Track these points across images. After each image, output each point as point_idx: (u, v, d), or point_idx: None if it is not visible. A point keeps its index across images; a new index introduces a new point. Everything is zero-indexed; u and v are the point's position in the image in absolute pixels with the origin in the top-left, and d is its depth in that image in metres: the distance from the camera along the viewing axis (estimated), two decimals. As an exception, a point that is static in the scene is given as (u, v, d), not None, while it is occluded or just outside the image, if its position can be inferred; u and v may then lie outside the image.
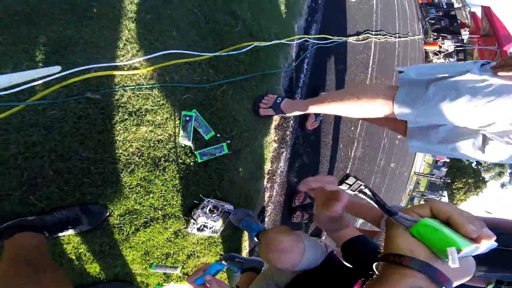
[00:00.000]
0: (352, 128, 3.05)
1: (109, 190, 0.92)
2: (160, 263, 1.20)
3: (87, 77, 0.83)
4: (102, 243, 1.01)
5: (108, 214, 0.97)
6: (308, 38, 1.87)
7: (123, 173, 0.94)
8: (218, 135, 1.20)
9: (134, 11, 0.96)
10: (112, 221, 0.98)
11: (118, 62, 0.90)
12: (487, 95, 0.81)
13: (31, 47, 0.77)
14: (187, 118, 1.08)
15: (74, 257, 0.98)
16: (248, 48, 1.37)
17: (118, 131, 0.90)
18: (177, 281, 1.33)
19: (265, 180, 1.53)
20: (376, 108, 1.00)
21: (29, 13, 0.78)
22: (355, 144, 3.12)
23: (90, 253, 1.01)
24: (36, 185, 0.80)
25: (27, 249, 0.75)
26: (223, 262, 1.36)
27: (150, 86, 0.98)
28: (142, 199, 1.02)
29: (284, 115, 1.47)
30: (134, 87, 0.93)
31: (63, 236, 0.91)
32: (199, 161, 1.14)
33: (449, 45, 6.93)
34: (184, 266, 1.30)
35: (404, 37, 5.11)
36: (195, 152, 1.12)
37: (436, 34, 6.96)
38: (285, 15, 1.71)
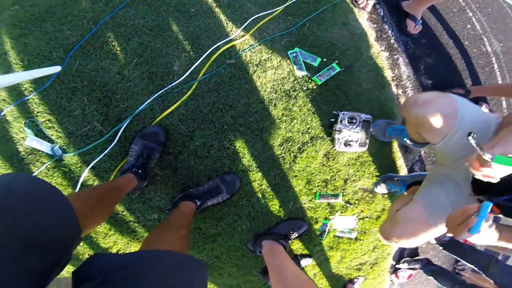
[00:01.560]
0: (468, 26, 2.46)
1: (267, 123, 1.18)
2: (322, 192, 1.31)
3: (221, 52, 1.16)
4: (275, 175, 1.23)
5: (239, 184, 1.14)
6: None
7: (270, 108, 1.18)
8: (325, 59, 1.30)
9: (215, 1, 1.25)
10: (275, 151, 1.21)
11: (231, 36, 1.20)
12: None
13: (179, 44, 1.15)
14: (294, 54, 1.25)
15: (260, 195, 1.23)
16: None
17: (255, 79, 1.18)
18: (342, 212, 1.38)
19: (393, 87, 1.45)
20: None
21: (160, 25, 1.15)
22: (485, 39, 2.47)
23: (269, 188, 1.24)
24: (224, 131, 1.13)
25: (181, 213, 0.97)
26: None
27: (258, 43, 1.23)
28: (290, 126, 1.21)
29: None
30: (249, 48, 1.20)
31: (211, 206, 1.12)
32: (319, 83, 1.25)
33: None
34: (344, 193, 1.35)
35: None
36: (312, 78, 1.25)
37: None
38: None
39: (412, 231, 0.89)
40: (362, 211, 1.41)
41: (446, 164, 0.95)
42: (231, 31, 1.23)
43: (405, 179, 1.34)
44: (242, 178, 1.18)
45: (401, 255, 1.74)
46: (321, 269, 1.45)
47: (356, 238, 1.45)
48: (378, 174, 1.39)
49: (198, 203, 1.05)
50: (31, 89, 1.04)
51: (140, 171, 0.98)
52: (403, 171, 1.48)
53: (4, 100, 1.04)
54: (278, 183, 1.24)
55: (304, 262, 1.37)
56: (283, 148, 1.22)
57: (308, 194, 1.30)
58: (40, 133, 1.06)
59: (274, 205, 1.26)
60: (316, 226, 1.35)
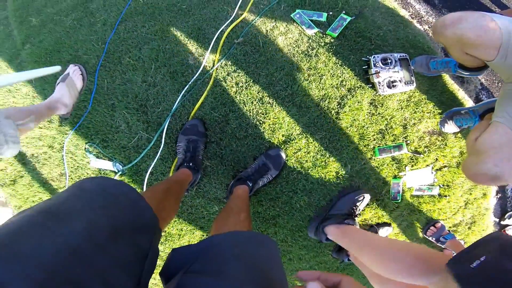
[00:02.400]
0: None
1: (295, 87, 1.13)
2: (381, 145, 1.16)
3: (226, 35, 1.19)
4: (321, 138, 1.14)
5: (285, 156, 1.10)
6: None
7: (293, 72, 1.14)
8: (330, 13, 1.25)
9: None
10: (315, 112, 1.14)
11: (230, 17, 1.22)
12: None
13: (186, 40, 1.18)
14: (298, 16, 1.23)
15: (310, 164, 1.13)
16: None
17: (267, 49, 1.17)
18: (412, 166, 1.18)
19: (416, 24, 1.32)
20: None
21: (161, 28, 1.20)
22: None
23: (319, 154, 1.14)
24: (255, 107, 1.12)
25: (236, 197, 0.96)
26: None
27: (258, 17, 1.22)
28: (320, 84, 1.14)
29: None
30: (251, 23, 1.21)
31: (263, 186, 1.08)
32: (335, 36, 1.19)
33: None
34: (408, 142, 1.17)
35: None
36: (326, 33, 1.21)
37: None
38: None
39: (507, 158, 0.71)
40: (436, 159, 1.20)
41: None
42: (228, 13, 1.25)
43: (475, 109, 1.13)
44: (286, 149, 1.11)
45: (504, 209, 1.41)
46: (407, 237, 1.22)
47: (439, 195, 1.22)
48: (440, 111, 1.20)
49: (250, 185, 1.02)
50: (78, 116, 1.16)
51: (191, 164, 1.01)
52: (468, 103, 1.27)
53: (60, 132, 1.17)
54: (327, 146, 1.13)
55: (383, 232, 1.17)
56: (321, 107, 1.14)
57: (366, 151, 1.15)
58: (100, 154, 1.15)
59: (330, 173, 1.14)
60: (387, 188, 1.18)
